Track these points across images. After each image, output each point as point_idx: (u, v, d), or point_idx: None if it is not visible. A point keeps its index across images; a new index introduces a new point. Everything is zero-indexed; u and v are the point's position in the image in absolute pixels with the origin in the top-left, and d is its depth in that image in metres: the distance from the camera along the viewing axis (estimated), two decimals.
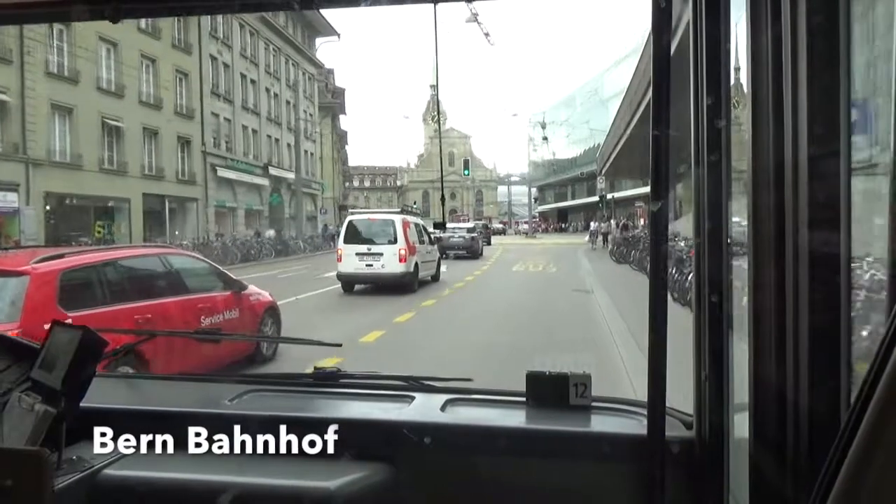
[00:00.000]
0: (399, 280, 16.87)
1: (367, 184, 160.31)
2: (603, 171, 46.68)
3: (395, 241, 17.17)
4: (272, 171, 42.41)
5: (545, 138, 37.89)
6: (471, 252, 31.32)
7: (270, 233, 39.07)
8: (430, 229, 25.83)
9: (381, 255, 17.00)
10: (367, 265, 16.95)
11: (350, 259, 17.08)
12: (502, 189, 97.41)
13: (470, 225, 37.65)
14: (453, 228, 33.09)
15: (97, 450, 1.62)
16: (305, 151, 51.55)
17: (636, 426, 1.63)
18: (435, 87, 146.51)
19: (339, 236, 19.29)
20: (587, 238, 37.74)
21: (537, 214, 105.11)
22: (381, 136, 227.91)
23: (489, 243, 40.63)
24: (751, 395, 1.21)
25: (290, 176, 45.88)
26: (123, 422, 1.70)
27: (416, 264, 17.63)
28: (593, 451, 1.58)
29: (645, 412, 1.44)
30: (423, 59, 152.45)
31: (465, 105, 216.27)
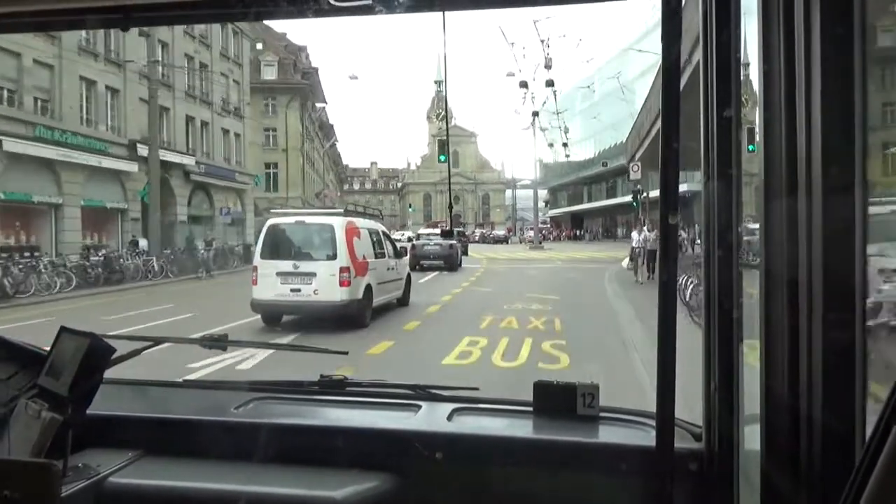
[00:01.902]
0: (340, 312, 11.12)
1: (367, 186, 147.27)
2: (637, 156, 31.57)
3: (333, 256, 11.41)
4: (144, 151, 27.51)
5: (550, 83, 24.98)
6: (448, 263, 24.81)
7: (143, 243, 24.60)
8: (429, 232, 24.39)
9: (314, 275, 11.28)
10: (292, 290, 11.28)
11: (269, 281, 11.31)
12: (519, 193, 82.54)
13: (447, 230, 30.09)
14: (427, 235, 26.50)
15: (103, 457, 1.60)
16: (225, 130, 36.68)
17: (644, 437, 1.57)
18: (439, 84, 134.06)
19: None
20: (626, 261, 22.23)
21: (548, 220, 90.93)
22: (385, 137, 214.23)
23: (466, 253, 32.66)
24: (762, 406, 1.17)
25: (187, 161, 31.14)
26: (130, 429, 1.71)
27: (369, 288, 11.79)
28: (601, 463, 1.54)
29: (653, 423, 1.40)
30: (428, 53, 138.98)
31: (473, 103, 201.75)
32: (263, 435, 1.63)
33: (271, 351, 8.12)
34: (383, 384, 1.98)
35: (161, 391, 2.14)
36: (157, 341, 2.00)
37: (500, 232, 66.97)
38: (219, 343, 2.10)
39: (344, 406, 1.92)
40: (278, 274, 11.45)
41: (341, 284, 11.28)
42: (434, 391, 1.89)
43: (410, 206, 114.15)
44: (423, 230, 31.66)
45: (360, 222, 13.25)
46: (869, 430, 0.88)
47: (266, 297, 11.42)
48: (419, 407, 1.81)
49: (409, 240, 39.53)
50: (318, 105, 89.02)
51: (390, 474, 1.57)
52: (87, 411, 1.53)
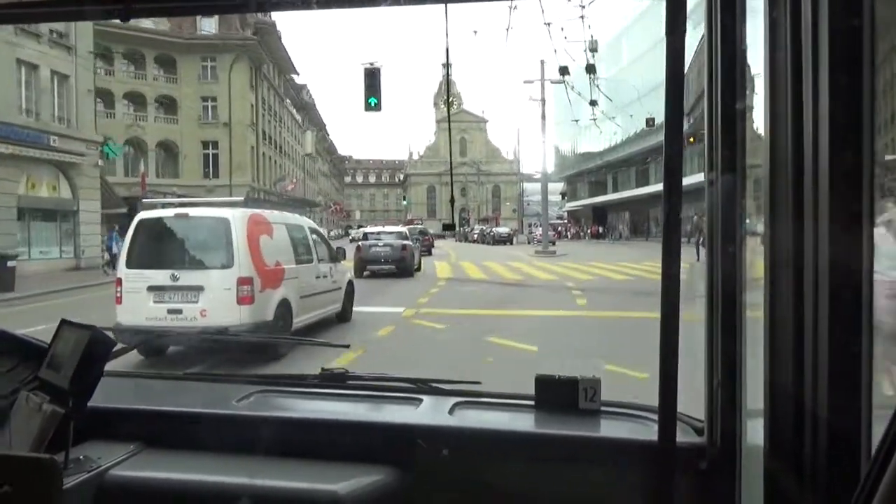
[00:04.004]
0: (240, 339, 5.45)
1: (371, 179, 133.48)
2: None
3: (229, 263, 7.84)
4: None
5: None
6: (400, 267, 19.56)
7: None
8: (378, 230, 21.18)
9: (200, 290, 7.75)
10: (170, 311, 7.67)
11: (137, 299, 7.79)
12: (531, 187, 67.28)
13: (400, 229, 23.11)
14: (377, 234, 20.86)
15: (104, 450, 1.57)
16: (28, 66, 21.74)
17: (646, 431, 1.52)
18: (446, 66, 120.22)
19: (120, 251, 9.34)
20: None
21: (565, 214, 75.98)
22: (390, 127, 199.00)
23: (430, 252, 27.31)
24: (766, 401, 1.15)
25: None
26: (131, 421, 1.69)
27: (285, 304, 8.40)
28: (602, 457, 1.51)
29: (655, 417, 1.37)
30: (435, 34, 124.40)
31: (484, 89, 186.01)
32: (265, 428, 1.61)
33: None
34: (385, 378, 1.95)
35: (162, 384, 2.12)
36: (157, 334, 2.22)
37: (502, 230, 51.93)
38: (221, 337, 2.30)
39: (345, 399, 1.86)
40: (150, 289, 7.74)
41: (241, 301, 7.62)
42: (436, 385, 1.85)
43: (405, 198, 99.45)
44: (370, 228, 24.73)
45: (274, 216, 9.20)
46: (875, 427, 0.93)
47: (134, 322, 7.56)
48: (420, 400, 1.76)
49: (423, 233, 34.22)
50: (301, 84, 74.67)
51: (392, 467, 1.53)
52: (88, 404, 1.49)
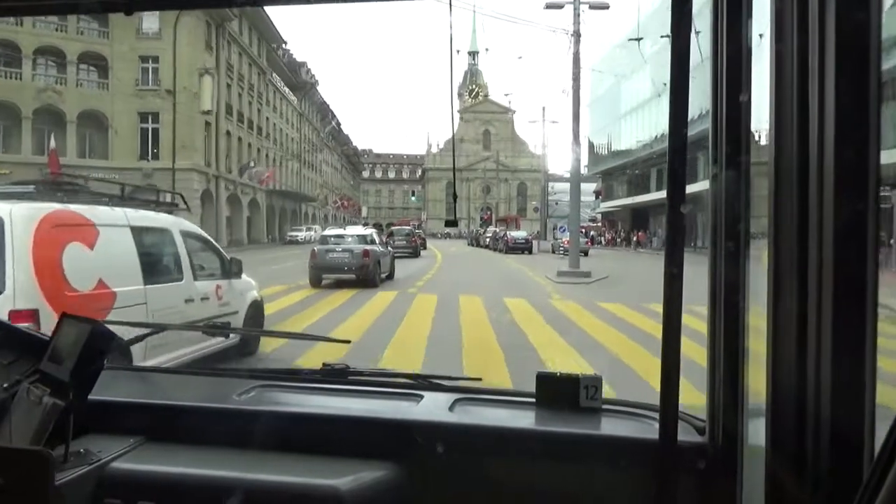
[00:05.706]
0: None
1: (391, 175, 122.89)
2: None
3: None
4: None
5: None
6: (360, 276, 16.37)
7: None
8: (336, 233, 18.78)
9: None
10: None
11: None
12: (560, 186, 55.69)
13: (364, 232, 19.02)
14: (335, 238, 17.74)
15: (104, 443, 1.56)
16: None
17: (647, 430, 1.51)
18: (474, 55, 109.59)
19: None
20: None
21: (598, 217, 64.07)
22: (413, 121, 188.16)
23: (418, 253, 24.50)
24: (768, 401, 1.13)
25: None
26: (131, 415, 1.67)
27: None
28: (603, 455, 1.49)
29: (656, 416, 1.37)
30: (461, 20, 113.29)
31: (514, 81, 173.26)
32: (265, 422, 1.60)
33: None
34: (385, 373, 1.95)
35: (162, 378, 2.09)
36: (158, 328, 2.04)
37: (519, 234, 40.13)
38: (221, 330, 2.18)
39: (346, 395, 1.82)
40: None
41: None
42: (436, 381, 1.82)
43: (413, 194, 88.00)
44: (329, 231, 20.34)
45: (103, 215, 5.61)
46: (878, 427, 0.93)
47: None
48: (421, 397, 1.73)
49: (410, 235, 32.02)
50: (301, 61, 63.86)
51: (392, 463, 1.52)
52: (89, 397, 1.48)
